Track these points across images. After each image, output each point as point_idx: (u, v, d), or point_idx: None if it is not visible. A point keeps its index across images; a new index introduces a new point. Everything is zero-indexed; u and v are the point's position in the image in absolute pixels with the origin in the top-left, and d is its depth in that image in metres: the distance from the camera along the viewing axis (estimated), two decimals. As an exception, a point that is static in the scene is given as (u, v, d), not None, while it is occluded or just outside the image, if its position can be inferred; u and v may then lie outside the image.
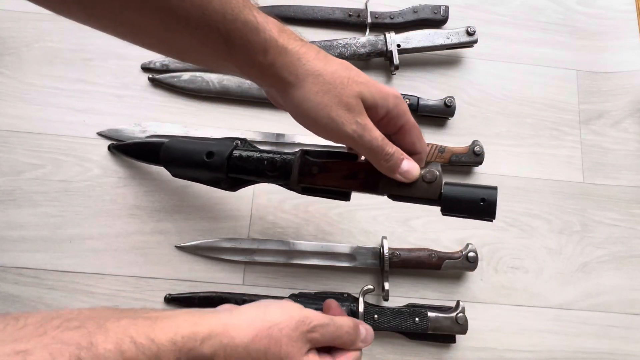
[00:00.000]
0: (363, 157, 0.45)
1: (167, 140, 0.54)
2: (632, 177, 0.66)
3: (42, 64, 0.64)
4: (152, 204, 0.60)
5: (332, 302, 0.47)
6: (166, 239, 0.59)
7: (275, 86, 0.41)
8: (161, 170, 0.61)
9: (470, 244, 0.59)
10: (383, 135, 0.42)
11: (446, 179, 0.64)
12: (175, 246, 0.58)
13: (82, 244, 0.58)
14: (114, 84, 0.64)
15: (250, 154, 0.49)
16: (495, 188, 0.42)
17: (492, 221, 0.42)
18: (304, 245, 0.59)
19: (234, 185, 0.51)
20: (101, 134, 0.62)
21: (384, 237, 0.59)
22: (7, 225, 0.57)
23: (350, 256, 0.58)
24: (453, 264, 0.57)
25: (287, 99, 0.41)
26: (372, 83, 0.42)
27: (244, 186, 0.51)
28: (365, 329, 0.43)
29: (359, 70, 0.43)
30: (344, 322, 0.41)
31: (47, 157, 0.60)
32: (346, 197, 0.47)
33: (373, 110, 0.41)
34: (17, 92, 0.63)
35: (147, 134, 0.62)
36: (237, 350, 0.35)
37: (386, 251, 0.57)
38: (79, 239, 0.58)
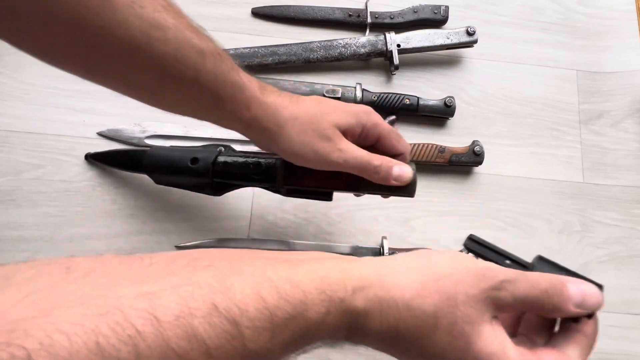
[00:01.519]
0: None
1: (147, 148, 0.57)
2: (632, 177, 0.66)
3: (42, 64, 0.63)
4: (152, 204, 0.60)
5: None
6: (166, 239, 0.59)
7: (261, 135, 0.45)
8: (161, 170, 0.61)
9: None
10: (366, 152, 0.45)
11: (446, 179, 0.64)
12: (175, 246, 0.58)
13: (82, 244, 0.58)
14: (114, 84, 0.64)
15: (235, 158, 0.52)
16: (601, 286, 0.32)
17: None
18: (303, 245, 0.59)
19: (218, 190, 0.53)
20: (101, 134, 0.62)
21: (384, 237, 0.59)
22: (7, 225, 0.57)
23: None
24: None
25: (275, 144, 0.45)
26: (341, 108, 0.46)
27: (229, 191, 0.54)
28: (580, 290, 0.30)
29: (328, 101, 0.47)
30: (541, 277, 0.30)
31: (47, 157, 0.60)
32: (328, 197, 0.51)
33: (350, 131, 0.45)
34: (17, 92, 0.63)
35: (147, 134, 0.62)
36: (397, 306, 0.28)
37: (386, 251, 0.57)
38: (79, 239, 0.58)
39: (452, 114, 0.66)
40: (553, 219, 0.64)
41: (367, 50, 0.67)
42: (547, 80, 0.71)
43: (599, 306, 0.30)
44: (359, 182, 0.47)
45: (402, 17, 0.71)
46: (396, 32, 0.67)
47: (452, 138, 0.66)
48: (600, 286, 0.32)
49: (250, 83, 0.43)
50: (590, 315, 0.31)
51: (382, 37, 0.67)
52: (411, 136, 0.66)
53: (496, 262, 0.33)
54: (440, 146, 0.63)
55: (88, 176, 0.60)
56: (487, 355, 0.28)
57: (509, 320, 0.34)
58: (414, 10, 0.71)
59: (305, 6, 0.70)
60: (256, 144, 0.48)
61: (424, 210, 0.63)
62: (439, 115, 0.66)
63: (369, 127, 0.46)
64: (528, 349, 0.30)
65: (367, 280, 0.28)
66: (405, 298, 0.28)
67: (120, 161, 0.59)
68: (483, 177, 0.65)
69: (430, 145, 0.63)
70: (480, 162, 0.63)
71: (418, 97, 0.65)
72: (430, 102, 0.65)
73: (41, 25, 0.34)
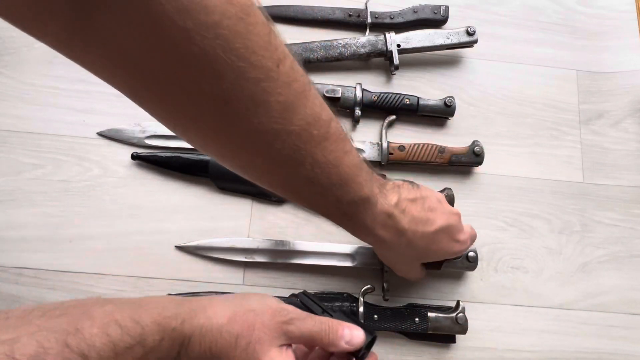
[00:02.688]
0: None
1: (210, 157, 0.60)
2: (632, 177, 0.66)
3: (42, 64, 0.64)
4: (152, 204, 0.60)
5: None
6: (166, 239, 0.59)
7: (369, 241, 0.49)
8: (162, 171, 0.61)
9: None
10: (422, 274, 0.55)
11: (446, 179, 0.64)
12: (175, 246, 0.58)
13: (82, 244, 0.58)
14: (114, 84, 0.64)
15: None
16: (374, 337, 0.43)
17: None
18: (303, 245, 0.59)
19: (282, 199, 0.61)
20: (101, 134, 0.62)
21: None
22: (7, 225, 0.57)
23: (350, 256, 0.58)
24: (453, 264, 0.57)
25: (378, 251, 0.52)
26: (445, 245, 0.50)
27: None
28: (350, 331, 0.40)
29: (453, 230, 0.50)
30: (325, 319, 0.40)
31: (47, 157, 0.60)
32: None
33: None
34: (17, 92, 0.63)
35: (147, 134, 0.62)
36: (211, 330, 0.36)
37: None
38: (79, 239, 0.58)
39: (452, 114, 0.66)
40: (553, 219, 0.64)
41: (367, 50, 0.67)
42: (547, 80, 0.71)
43: (358, 344, 0.40)
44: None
45: (402, 17, 0.71)
46: (396, 32, 0.67)
47: (452, 138, 0.66)
48: (369, 332, 0.41)
49: (382, 199, 0.45)
50: (358, 352, 0.40)
51: (382, 37, 0.67)
52: (411, 136, 0.66)
53: (313, 310, 0.42)
54: (440, 146, 0.63)
55: (88, 176, 0.60)
56: None
57: (301, 354, 0.43)
58: (414, 10, 0.71)
59: (305, 6, 0.70)
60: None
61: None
62: (439, 115, 0.66)
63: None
64: None
65: (194, 312, 0.36)
66: (219, 323, 0.36)
67: (176, 165, 0.61)
68: (483, 177, 0.65)
69: (430, 145, 0.63)
70: (480, 162, 0.63)
71: (418, 97, 0.65)
72: (430, 102, 0.65)
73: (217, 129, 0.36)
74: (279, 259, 0.58)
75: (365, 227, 0.45)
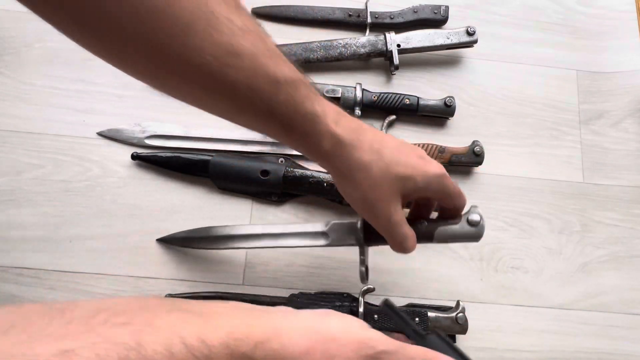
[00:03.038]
0: None
1: (209, 157, 0.60)
2: (632, 177, 0.66)
3: (42, 64, 0.64)
4: (152, 204, 0.60)
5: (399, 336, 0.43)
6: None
7: (331, 172, 0.45)
8: (162, 171, 0.61)
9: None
10: (410, 233, 0.45)
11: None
12: (157, 240, 0.58)
13: (82, 244, 0.58)
14: (114, 84, 0.64)
15: (302, 171, 0.60)
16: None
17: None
18: (276, 228, 0.54)
19: (284, 199, 0.61)
20: (101, 134, 0.62)
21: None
22: (7, 225, 0.57)
23: (323, 234, 0.53)
24: (452, 232, 0.49)
25: (339, 185, 0.45)
26: (419, 168, 0.44)
27: (291, 198, 0.61)
28: None
29: (410, 151, 0.45)
30: (416, 352, 0.35)
31: (47, 157, 0.60)
32: None
33: (416, 194, 0.45)
34: (17, 92, 0.63)
35: (147, 134, 0.62)
36: None
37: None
38: (79, 239, 0.58)
39: (452, 114, 0.66)
40: (553, 219, 0.64)
41: (367, 50, 0.67)
42: (547, 80, 0.71)
43: None
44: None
45: (402, 17, 0.71)
46: (396, 32, 0.67)
47: (452, 138, 0.66)
48: None
49: (326, 114, 0.41)
50: None
51: (382, 37, 0.67)
52: (411, 136, 0.66)
53: (399, 327, 0.39)
54: (440, 146, 0.63)
55: (88, 176, 0.60)
56: None
57: None
58: (414, 10, 0.71)
59: (305, 6, 0.70)
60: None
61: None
62: (439, 115, 0.66)
63: (439, 196, 0.46)
64: None
65: (267, 335, 0.32)
66: (295, 354, 0.32)
67: (176, 165, 0.60)
68: (483, 177, 0.65)
69: (430, 145, 0.63)
70: (480, 162, 0.63)
71: (418, 97, 0.65)
72: (430, 102, 0.65)
73: (124, 45, 0.34)
74: (253, 243, 0.55)
75: (314, 143, 0.42)
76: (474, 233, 0.47)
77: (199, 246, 0.58)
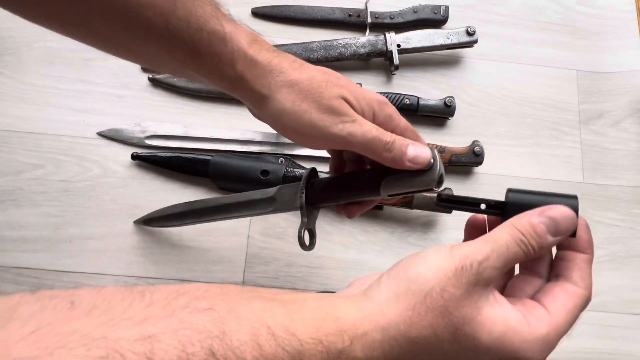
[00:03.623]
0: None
1: (209, 157, 0.60)
2: (632, 177, 0.66)
3: (42, 64, 0.64)
4: (152, 204, 0.60)
5: (473, 219, 0.36)
6: (166, 239, 0.59)
7: (248, 99, 0.39)
8: (161, 171, 0.61)
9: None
10: (377, 126, 0.38)
11: (446, 179, 0.64)
12: (134, 222, 0.59)
13: (82, 244, 0.58)
14: (114, 84, 0.64)
15: (302, 171, 0.59)
16: (575, 197, 0.32)
17: (572, 237, 0.32)
18: (229, 198, 0.51)
19: None
20: (101, 134, 0.62)
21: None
22: (7, 225, 0.57)
23: (272, 199, 0.48)
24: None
25: (264, 111, 0.39)
26: (353, 87, 0.39)
27: None
28: (548, 220, 0.30)
29: (338, 74, 0.40)
30: (508, 235, 0.30)
31: (47, 157, 0.60)
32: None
33: (358, 114, 0.38)
34: (17, 92, 0.63)
35: (147, 134, 0.62)
36: (397, 343, 0.27)
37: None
38: (79, 239, 0.58)
39: (452, 114, 0.66)
40: (553, 219, 0.64)
41: (367, 50, 0.67)
42: (547, 80, 0.71)
43: (573, 226, 0.30)
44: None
45: (402, 17, 0.71)
46: (396, 32, 0.67)
47: (452, 138, 0.66)
48: (572, 197, 0.31)
49: (237, 34, 0.37)
50: (573, 234, 0.31)
51: (382, 37, 0.67)
52: (411, 136, 0.66)
53: (472, 211, 0.34)
54: (440, 146, 0.63)
55: (88, 176, 0.60)
56: (495, 343, 0.28)
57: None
58: (414, 10, 0.71)
59: (305, 6, 0.70)
60: (249, 110, 0.43)
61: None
62: (439, 115, 0.66)
63: (382, 119, 0.39)
64: (527, 302, 0.31)
65: (361, 326, 0.27)
66: (402, 331, 0.27)
67: (176, 165, 0.60)
68: (483, 177, 0.65)
69: (430, 146, 0.63)
70: (480, 162, 0.63)
71: (418, 97, 0.65)
72: (430, 102, 0.65)
73: None
74: (204, 217, 0.53)
75: (226, 64, 0.37)
76: (428, 178, 0.38)
77: (167, 224, 0.57)
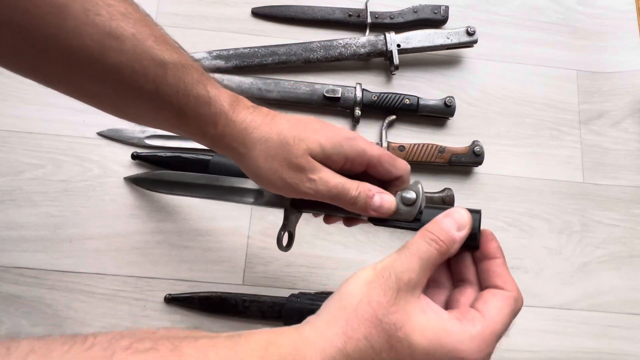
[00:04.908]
0: None
1: (209, 157, 0.60)
2: (632, 177, 0.66)
3: (42, 64, 0.64)
4: (152, 204, 0.60)
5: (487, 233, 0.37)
6: (166, 239, 0.59)
7: (229, 155, 0.42)
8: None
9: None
10: (344, 180, 0.40)
11: (446, 179, 0.64)
12: (124, 178, 0.60)
13: (82, 244, 0.58)
14: (114, 84, 0.64)
15: None
16: (478, 211, 0.36)
17: (477, 249, 0.36)
18: (215, 179, 0.53)
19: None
20: (101, 134, 0.62)
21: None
22: (7, 225, 0.57)
23: (259, 192, 0.51)
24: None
25: (242, 166, 0.42)
26: (321, 134, 0.41)
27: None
28: (451, 220, 0.33)
29: (307, 123, 0.42)
30: (417, 240, 0.33)
31: (47, 157, 0.60)
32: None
33: (329, 161, 0.41)
34: (17, 92, 0.63)
35: (147, 134, 0.62)
36: None
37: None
38: (79, 239, 0.58)
39: (452, 114, 0.66)
40: (553, 219, 0.64)
41: (367, 50, 0.67)
42: (547, 80, 0.71)
43: (469, 222, 0.34)
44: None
45: (402, 17, 0.71)
46: (396, 32, 0.67)
47: (452, 138, 0.66)
48: (476, 211, 0.36)
49: (220, 97, 0.40)
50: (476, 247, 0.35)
51: (382, 37, 0.67)
52: (411, 136, 0.66)
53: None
54: (440, 146, 0.63)
55: (88, 176, 0.60)
56: (431, 345, 0.30)
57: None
58: (414, 10, 0.71)
59: (305, 6, 0.70)
60: None
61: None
62: (439, 115, 0.66)
63: (353, 156, 0.41)
64: (460, 308, 0.33)
65: (301, 350, 0.29)
66: (340, 348, 0.29)
67: (176, 165, 0.60)
68: (483, 177, 0.65)
69: (430, 145, 0.63)
70: (480, 162, 0.63)
71: (418, 97, 0.65)
72: (430, 102, 0.65)
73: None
74: (193, 192, 0.54)
75: (209, 125, 0.40)
76: (408, 214, 0.40)
77: (156, 189, 0.58)
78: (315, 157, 0.40)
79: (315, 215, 0.48)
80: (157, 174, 0.58)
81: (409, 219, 0.40)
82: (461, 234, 0.33)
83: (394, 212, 0.40)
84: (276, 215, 0.61)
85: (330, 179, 0.40)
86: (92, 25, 0.33)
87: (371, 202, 0.40)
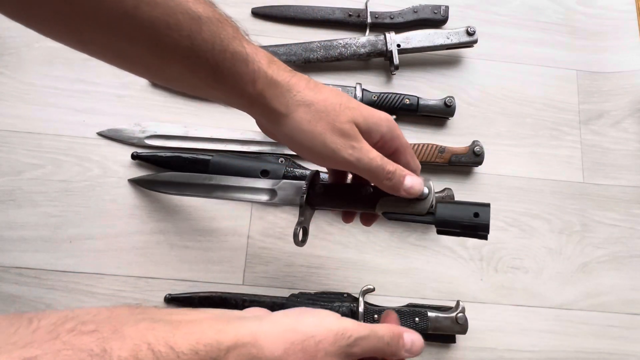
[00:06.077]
0: None
1: (209, 156, 0.60)
2: (632, 177, 0.66)
3: (42, 64, 0.64)
4: (152, 204, 0.60)
5: (391, 314, 0.43)
6: (166, 239, 0.59)
7: (265, 116, 0.41)
8: (161, 171, 0.61)
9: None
10: (382, 155, 0.41)
11: (446, 179, 0.64)
12: (128, 180, 0.60)
13: (82, 244, 0.58)
14: (114, 84, 0.64)
15: (302, 171, 0.59)
16: (487, 205, 0.41)
17: (486, 239, 0.41)
18: (230, 180, 0.54)
19: None
20: (101, 134, 0.62)
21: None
22: (7, 225, 0.57)
23: (273, 191, 0.52)
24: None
25: (279, 128, 0.41)
26: (364, 108, 0.42)
27: None
28: (411, 339, 0.38)
29: (350, 97, 0.43)
30: (385, 331, 0.37)
31: (47, 157, 0.60)
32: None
33: (367, 135, 0.41)
34: (17, 92, 0.63)
35: (147, 134, 0.62)
36: None
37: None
38: (79, 239, 0.58)
39: (452, 114, 0.66)
40: (553, 219, 0.64)
41: (367, 50, 0.67)
42: (547, 80, 0.71)
43: (419, 351, 0.38)
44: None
45: (402, 17, 0.71)
46: (396, 32, 0.67)
47: (452, 138, 0.66)
48: (485, 205, 0.41)
49: (257, 55, 0.39)
50: None
51: (382, 37, 0.67)
52: (411, 136, 0.66)
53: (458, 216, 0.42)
54: (440, 146, 0.63)
55: (88, 176, 0.60)
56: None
57: None
58: (414, 10, 0.71)
59: (305, 6, 0.70)
60: (257, 124, 0.45)
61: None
62: (439, 115, 0.66)
63: (388, 137, 0.42)
64: None
65: (241, 340, 0.31)
66: (275, 356, 0.31)
67: (176, 165, 0.60)
68: (483, 177, 0.65)
69: (430, 145, 0.63)
70: (480, 162, 0.63)
71: (418, 97, 0.65)
72: (430, 102, 0.65)
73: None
74: (209, 192, 0.54)
75: (247, 84, 0.39)
76: (421, 207, 0.43)
77: (163, 190, 0.58)
78: (358, 127, 0.41)
79: (334, 211, 0.48)
80: (164, 176, 0.57)
81: (422, 212, 0.43)
82: (407, 355, 0.37)
83: (420, 195, 0.42)
84: (276, 216, 0.61)
85: (371, 150, 0.41)
86: None
87: (404, 181, 0.42)
